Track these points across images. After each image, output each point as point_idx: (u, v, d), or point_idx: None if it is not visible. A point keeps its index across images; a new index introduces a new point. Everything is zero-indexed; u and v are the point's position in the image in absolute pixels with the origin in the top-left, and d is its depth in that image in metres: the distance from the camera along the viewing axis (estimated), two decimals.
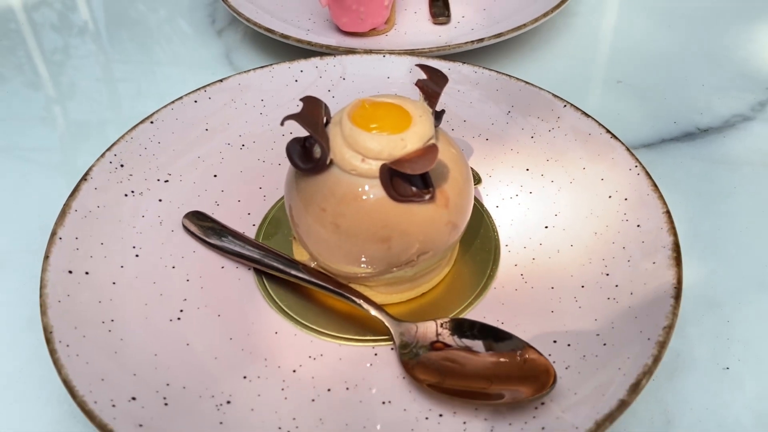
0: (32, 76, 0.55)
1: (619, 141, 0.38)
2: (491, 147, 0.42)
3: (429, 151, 0.28)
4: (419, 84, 0.32)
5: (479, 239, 0.37)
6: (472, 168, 0.40)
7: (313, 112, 0.30)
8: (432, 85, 0.32)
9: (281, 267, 0.34)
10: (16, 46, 0.58)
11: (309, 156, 0.31)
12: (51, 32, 0.61)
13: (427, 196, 0.29)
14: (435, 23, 0.55)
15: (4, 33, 0.60)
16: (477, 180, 0.40)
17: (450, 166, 0.31)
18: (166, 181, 0.39)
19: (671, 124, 0.46)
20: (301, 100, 0.30)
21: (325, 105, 0.31)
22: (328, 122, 0.31)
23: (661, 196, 0.35)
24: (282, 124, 0.29)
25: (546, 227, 0.37)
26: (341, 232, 0.30)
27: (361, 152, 0.29)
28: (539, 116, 0.42)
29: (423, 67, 0.32)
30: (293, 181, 0.32)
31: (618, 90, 0.50)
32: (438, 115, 0.32)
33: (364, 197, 0.29)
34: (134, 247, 0.35)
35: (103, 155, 0.38)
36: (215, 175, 0.41)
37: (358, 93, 0.45)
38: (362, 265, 0.31)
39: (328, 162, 0.30)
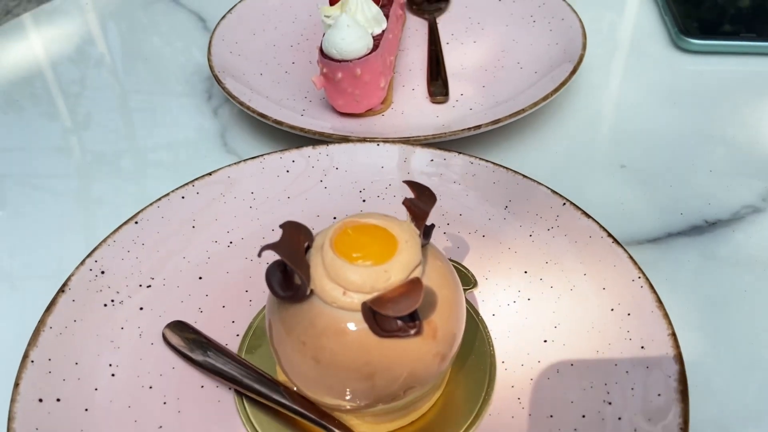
0: (48, 107, 0.58)
1: (621, 247, 0.36)
2: (488, 245, 0.40)
3: (413, 288, 0.26)
4: (406, 204, 0.30)
5: (474, 354, 0.35)
6: (467, 270, 0.39)
7: (293, 240, 0.28)
8: (420, 205, 0.30)
9: (261, 390, 0.32)
10: (34, 78, 0.61)
11: (289, 283, 0.29)
12: (68, 64, 0.64)
13: (413, 331, 0.28)
14: (433, 102, 0.54)
15: (21, 65, 0.63)
16: (473, 284, 0.38)
17: (438, 291, 0.29)
18: (149, 286, 0.38)
19: (677, 216, 0.44)
20: (281, 226, 0.29)
21: (307, 229, 0.29)
22: (310, 246, 0.30)
23: (666, 314, 0.33)
24: (259, 255, 0.27)
25: (545, 341, 0.35)
26: (321, 367, 0.28)
27: (342, 284, 0.28)
28: (538, 213, 0.40)
29: (410, 184, 0.31)
30: (274, 307, 0.30)
31: (622, 175, 0.48)
32: (427, 232, 0.31)
33: (346, 332, 0.28)
34: (111, 365, 0.34)
35: (83, 262, 0.37)
36: (200, 278, 0.39)
37: (351, 183, 0.44)
38: (345, 399, 0.29)
39: (308, 292, 0.28)
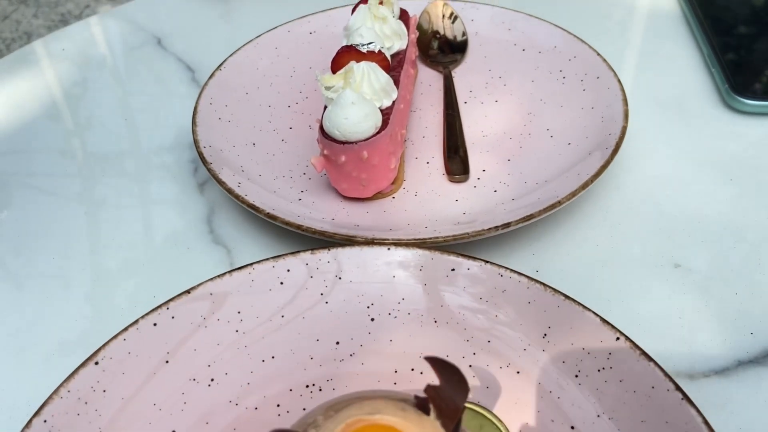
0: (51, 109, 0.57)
1: (694, 407, 0.30)
2: (524, 387, 0.33)
3: None
4: (429, 393, 0.23)
5: None
6: (499, 421, 0.32)
7: None
8: (447, 395, 0.23)
9: None
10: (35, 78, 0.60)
11: None
12: (70, 65, 0.62)
13: None
14: (451, 181, 0.47)
15: (24, 66, 0.62)
16: None
17: None
18: None
19: (747, 337, 0.37)
20: None
21: None
22: None
23: None
24: None
25: None
26: None
27: None
28: (585, 347, 0.33)
29: (434, 363, 0.24)
30: None
31: (676, 278, 0.41)
32: None
33: None
34: None
35: (29, 424, 0.30)
36: (173, 431, 0.33)
37: (358, 297, 0.37)
38: None
39: None
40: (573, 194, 0.41)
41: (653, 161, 0.49)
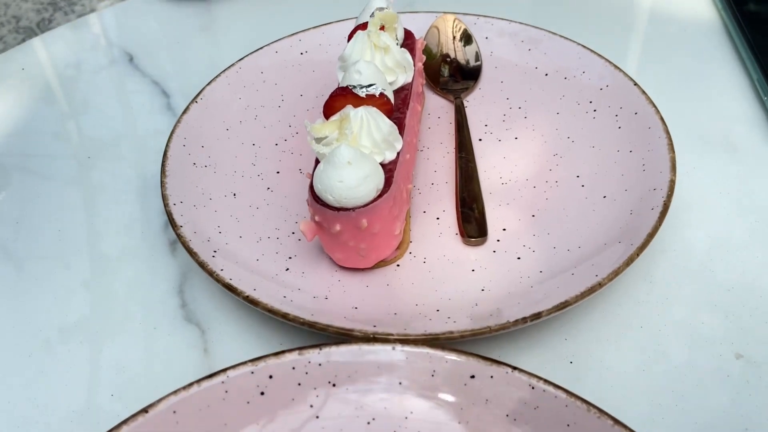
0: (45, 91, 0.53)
1: None
2: None
3: None
4: None
5: None
6: None
7: None
8: None
9: None
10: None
11: None
12: (64, 47, 0.59)
13: None
14: (466, 243, 0.40)
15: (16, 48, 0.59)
16: None
17: None
18: None
19: None
20: None
21: None
22: None
23: None
24: None
25: None
26: None
27: None
28: None
29: None
30: None
31: (739, 373, 0.34)
32: None
33: None
34: None
35: None
36: None
37: (355, 410, 0.30)
38: None
39: None
40: (615, 273, 0.34)
41: (703, 216, 0.42)
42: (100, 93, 0.55)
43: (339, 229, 0.35)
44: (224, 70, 0.50)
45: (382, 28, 0.42)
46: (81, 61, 0.59)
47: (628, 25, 0.60)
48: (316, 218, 0.35)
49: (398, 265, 0.38)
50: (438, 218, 0.41)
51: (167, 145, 0.43)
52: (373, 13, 0.41)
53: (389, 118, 0.38)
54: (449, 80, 0.50)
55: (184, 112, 0.46)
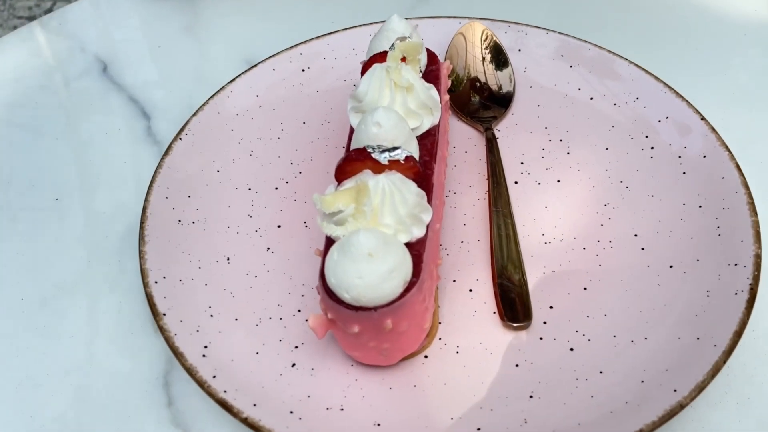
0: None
1: None
2: None
3: None
4: None
5: None
6: None
7: None
8: None
9: None
10: None
11: None
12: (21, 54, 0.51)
13: None
14: (506, 328, 0.33)
15: None
16: None
17: None
18: None
19: None
20: None
21: None
22: None
23: None
24: None
25: None
26: None
27: None
28: None
29: None
30: None
31: None
32: None
33: None
34: None
35: None
36: None
37: None
38: None
39: None
40: (699, 389, 0.28)
41: None
42: (67, 114, 0.48)
43: (357, 331, 0.28)
44: (212, 96, 0.42)
45: (404, 59, 0.34)
46: (43, 72, 0.51)
47: (687, 39, 0.51)
48: (329, 315, 0.29)
49: (426, 356, 0.32)
50: (471, 290, 0.35)
51: (146, 200, 0.36)
52: (393, 44, 0.33)
53: (415, 181, 0.31)
54: (479, 107, 0.43)
55: (166, 153, 0.39)
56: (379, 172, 0.30)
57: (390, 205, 0.29)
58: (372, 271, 0.27)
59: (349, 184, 0.30)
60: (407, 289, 0.28)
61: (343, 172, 0.30)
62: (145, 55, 0.53)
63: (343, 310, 0.28)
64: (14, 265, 0.38)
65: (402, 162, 0.29)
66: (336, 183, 0.31)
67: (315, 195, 0.29)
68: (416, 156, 0.32)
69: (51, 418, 0.32)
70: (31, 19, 1.74)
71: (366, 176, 0.30)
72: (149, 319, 0.35)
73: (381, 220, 0.29)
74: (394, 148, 0.29)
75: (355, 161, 0.30)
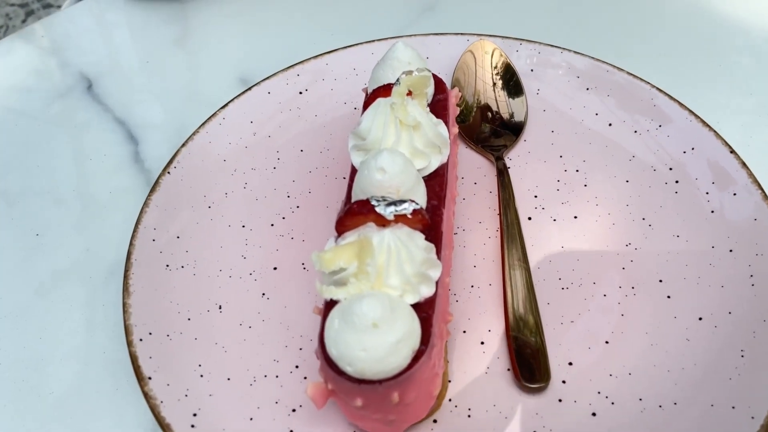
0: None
1: None
2: None
3: None
4: None
5: None
6: None
7: None
8: None
9: None
10: None
11: None
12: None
13: None
14: (523, 390, 0.30)
15: None
16: None
17: None
18: None
19: None
20: None
21: None
22: None
23: None
24: None
25: None
26: None
27: None
28: None
29: None
30: None
31: None
32: None
33: None
34: None
35: None
36: None
37: None
38: None
39: None
40: None
41: None
42: (47, 139, 0.45)
43: (361, 404, 0.26)
44: (203, 124, 0.39)
45: (410, 93, 0.32)
46: (22, 91, 0.48)
47: (718, 61, 0.47)
48: (330, 386, 0.27)
49: (435, 421, 0.30)
50: (483, 342, 0.32)
51: (131, 244, 0.33)
52: (399, 79, 0.30)
53: (423, 232, 0.28)
54: (489, 135, 0.40)
55: (153, 189, 0.36)
56: (384, 225, 0.27)
57: (396, 264, 0.26)
58: (377, 344, 0.24)
59: (351, 237, 0.27)
60: (415, 359, 0.25)
61: (344, 226, 0.28)
62: (133, 71, 0.50)
63: (345, 383, 0.25)
64: None
65: (409, 216, 0.27)
66: (336, 235, 0.29)
67: (313, 254, 0.26)
68: (423, 201, 0.30)
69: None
70: (23, 6, 1.69)
71: (370, 230, 0.27)
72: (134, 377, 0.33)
73: (386, 281, 0.26)
74: (401, 202, 0.27)
75: (357, 215, 0.27)
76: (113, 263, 0.37)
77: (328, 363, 0.26)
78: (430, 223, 0.28)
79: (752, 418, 0.26)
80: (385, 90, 0.32)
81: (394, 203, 0.27)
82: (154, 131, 0.45)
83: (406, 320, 0.25)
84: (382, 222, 0.27)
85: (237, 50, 0.50)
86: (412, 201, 0.27)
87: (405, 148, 0.30)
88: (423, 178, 0.31)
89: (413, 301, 0.27)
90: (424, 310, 0.27)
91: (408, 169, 0.29)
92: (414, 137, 0.31)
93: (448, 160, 0.33)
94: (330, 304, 0.27)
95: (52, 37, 0.53)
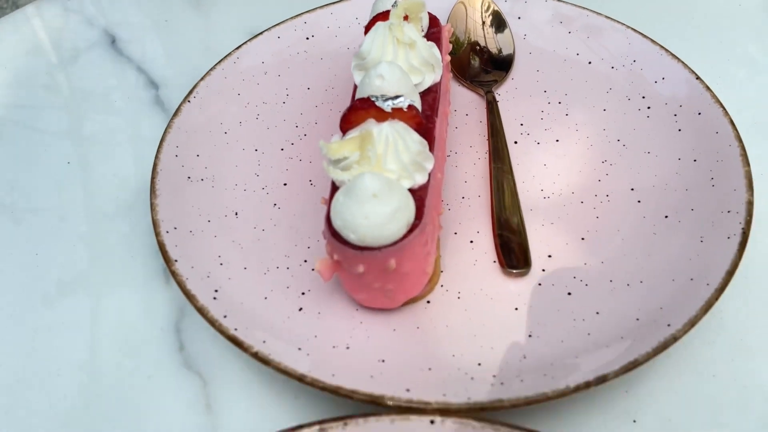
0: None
1: None
2: None
3: None
4: None
5: None
6: None
7: None
8: None
9: None
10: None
11: None
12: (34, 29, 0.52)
13: None
14: (506, 275, 0.35)
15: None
16: None
17: None
18: None
19: None
20: None
21: None
22: None
23: None
24: None
25: None
26: None
27: None
28: None
29: None
30: None
31: None
32: None
33: None
34: None
35: None
36: None
37: None
38: None
39: None
40: (692, 323, 0.29)
41: None
42: (78, 84, 0.49)
43: (362, 271, 0.29)
44: (219, 62, 0.43)
45: (406, 18, 0.35)
46: (54, 45, 0.53)
47: (685, 5, 0.52)
48: (335, 257, 0.30)
49: (429, 302, 0.33)
50: (472, 241, 0.36)
51: (157, 157, 0.37)
52: (395, 2, 0.34)
53: (418, 131, 0.32)
54: (479, 71, 0.44)
55: (175, 114, 0.40)
56: (383, 121, 0.31)
57: (393, 152, 0.30)
58: (377, 212, 0.28)
59: (353, 133, 0.31)
60: (410, 231, 0.29)
61: (348, 122, 0.31)
62: (152, 30, 0.54)
63: (349, 251, 0.29)
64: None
65: (405, 110, 0.31)
66: (341, 134, 0.32)
67: (321, 141, 0.30)
68: (420, 113, 0.34)
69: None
70: None
71: (370, 125, 0.31)
72: (161, 271, 0.37)
73: (385, 166, 0.30)
74: (397, 97, 0.30)
75: (359, 110, 0.31)
76: (140, 185, 0.41)
77: (334, 235, 0.29)
78: (424, 122, 0.32)
79: (707, 284, 0.30)
80: (383, 15, 0.36)
81: (392, 98, 0.30)
82: (173, 78, 0.49)
83: (403, 195, 0.29)
84: (381, 117, 0.31)
85: (248, 10, 0.54)
86: (408, 99, 0.31)
87: (402, 64, 0.34)
88: (419, 93, 0.35)
89: (408, 185, 0.31)
90: (418, 194, 0.31)
91: (404, 79, 0.33)
92: (410, 55, 0.35)
93: (440, 81, 0.37)
94: (334, 192, 0.31)
95: (76, 2, 0.57)
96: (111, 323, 0.35)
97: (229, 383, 0.32)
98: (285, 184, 0.39)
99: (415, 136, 0.31)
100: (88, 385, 0.32)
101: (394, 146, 0.30)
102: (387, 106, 0.30)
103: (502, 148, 0.39)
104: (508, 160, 0.38)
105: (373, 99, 0.31)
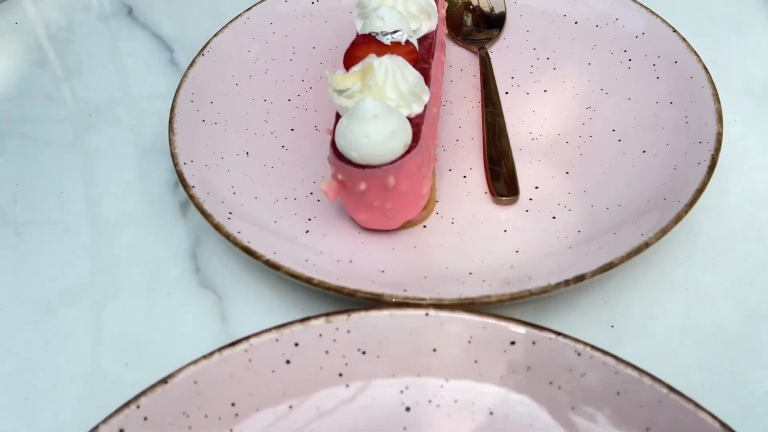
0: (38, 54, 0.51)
1: None
2: None
3: None
4: None
5: None
6: None
7: None
8: None
9: None
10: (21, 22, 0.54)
11: None
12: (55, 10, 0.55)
13: None
14: (496, 203, 0.38)
15: (7, 10, 0.55)
16: None
17: None
18: None
19: None
20: None
21: None
22: None
23: None
24: None
25: None
26: None
27: None
28: None
29: None
30: None
31: None
32: None
33: None
34: None
35: None
36: None
37: (388, 379, 0.29)
38: None
39: None
40: (663, 232, 0.31)
41: (751, 174, 0.39)
42: (98, 49, 0.52)
43: (364, 189, 0.32)
44: (231, 21, 0.46)
45: None
46: (76, 14, 0.56)
47: None
48: (339, 177, 0.33)
49: (425, 226, 0.36)
50: (465, 177, 0.39)
51: (174, 101, 0.40)
52: None
53: (414, 67, 0.35)
54: (472, 30, 0.47)
55: (191, 66, 0.43)
56: (382, 55, 0.34)
57: (392, 82, 0.33)
58: (377, 131, 0.31)
59: (355, 68, 0.34)
60: (407, 151, 0.32)
61: (350, 57, 0.34)
62: (166, 1, 0.57)
63: (352, 169, 0.32)
64: None
65: (403, 44, 0.34)
66: (344, 70, 0.35)
67: (326, 72, 0.33)
68: (417, 49, 0.37)
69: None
70: None
71: (371, 59, 0.34)
72: (177, 207, 0.40)
73: (384, 94, 0.33)
74: (396, 32, 0.33)
75: (361, 44, 0.34)
76: (157, 132, 0.44)
77: (337, 155, 0.32)
78: (420, 60, 0.35)
79: (678, 201, 0.33)
80: None
81: (391, 32, 0.34)
82: (187, 43, 0.52)
83: (401, 118, 0.32)
84: (381, 52, 0.34)
85: None
86: (406, 34, 0.34)
87: (401, 10, 0.37)
88: (416, 40, 0.38)
89: (406, 114, 0.34)
90: (415, 121, 0.34)
91: (403, 21, 0.36)
92: (408, 3, 0.38)
93: (436, 31, 0.40)
94: (338, 121, 0.34)
95: None
96: (133, 251, 0.38)
97: (243, 297, 0.35)
98: (292, 130, 0.42)
99: (413, 70, 0.34)
100: (109, 298, 0.36)
101: (393, 77, 0.33)
102: (387, 39, 0.33)
103: (494, 95, 0.42)
104: (500, 106, 0.41)
105: (373, 34, 0.34)
